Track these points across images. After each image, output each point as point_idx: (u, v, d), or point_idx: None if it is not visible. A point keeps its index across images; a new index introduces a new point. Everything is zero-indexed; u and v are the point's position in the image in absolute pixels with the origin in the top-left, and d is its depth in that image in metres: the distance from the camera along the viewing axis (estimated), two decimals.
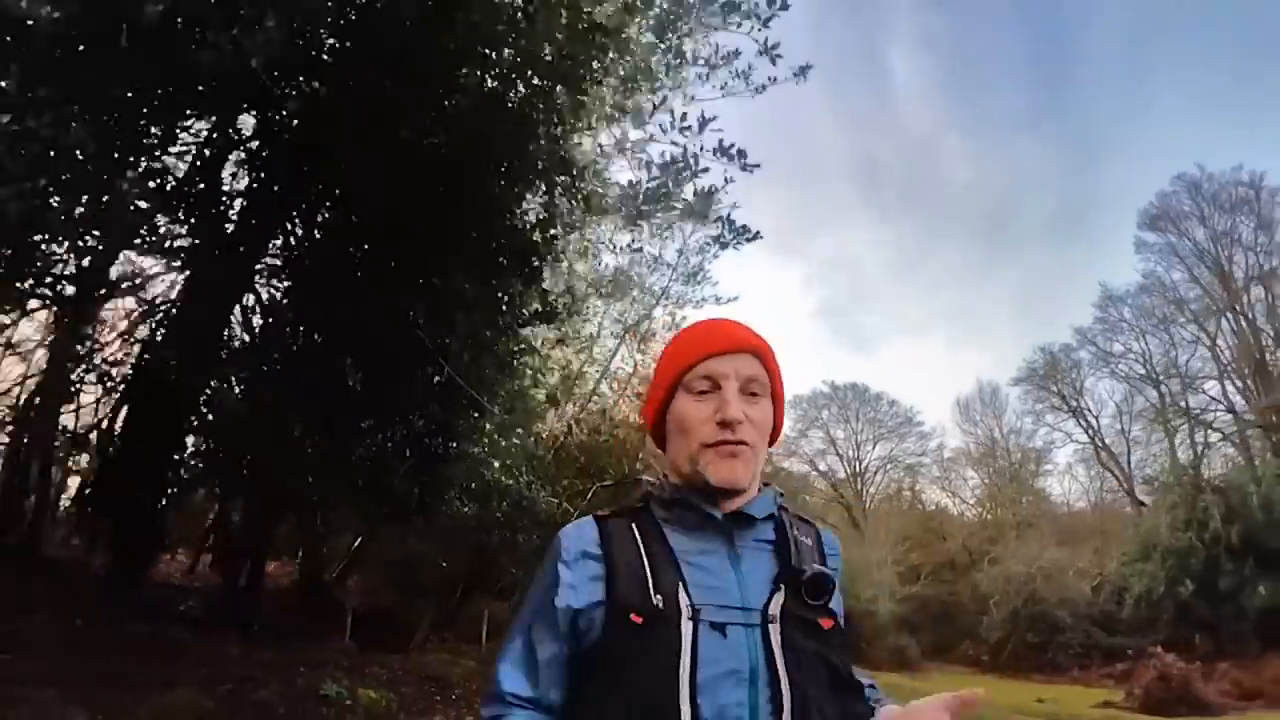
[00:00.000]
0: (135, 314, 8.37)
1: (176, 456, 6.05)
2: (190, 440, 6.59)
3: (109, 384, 7.31)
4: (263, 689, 5.79)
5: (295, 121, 4.94)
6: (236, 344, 5.40)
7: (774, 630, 1.04)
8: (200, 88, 4.61)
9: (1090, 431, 33.19)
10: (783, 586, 1.08)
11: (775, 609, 1.06)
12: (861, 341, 63.93)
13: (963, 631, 30.22)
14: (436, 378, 5.05)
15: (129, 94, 4.38)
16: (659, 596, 1.03)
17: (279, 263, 5.86)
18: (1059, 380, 33.69)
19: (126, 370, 7.38)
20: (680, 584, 1.05)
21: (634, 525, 1.14)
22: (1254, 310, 24.52)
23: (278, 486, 5.44)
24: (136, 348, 7.95)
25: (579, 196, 5.66)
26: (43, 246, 5.13)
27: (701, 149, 9.02)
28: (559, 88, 4.91)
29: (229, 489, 6.77)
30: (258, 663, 6.79)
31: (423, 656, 10.19)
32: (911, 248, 58.69)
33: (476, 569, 11.55)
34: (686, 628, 1.01)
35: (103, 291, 7.28)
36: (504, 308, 5.26)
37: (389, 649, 10.02)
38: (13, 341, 8.68)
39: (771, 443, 1.21)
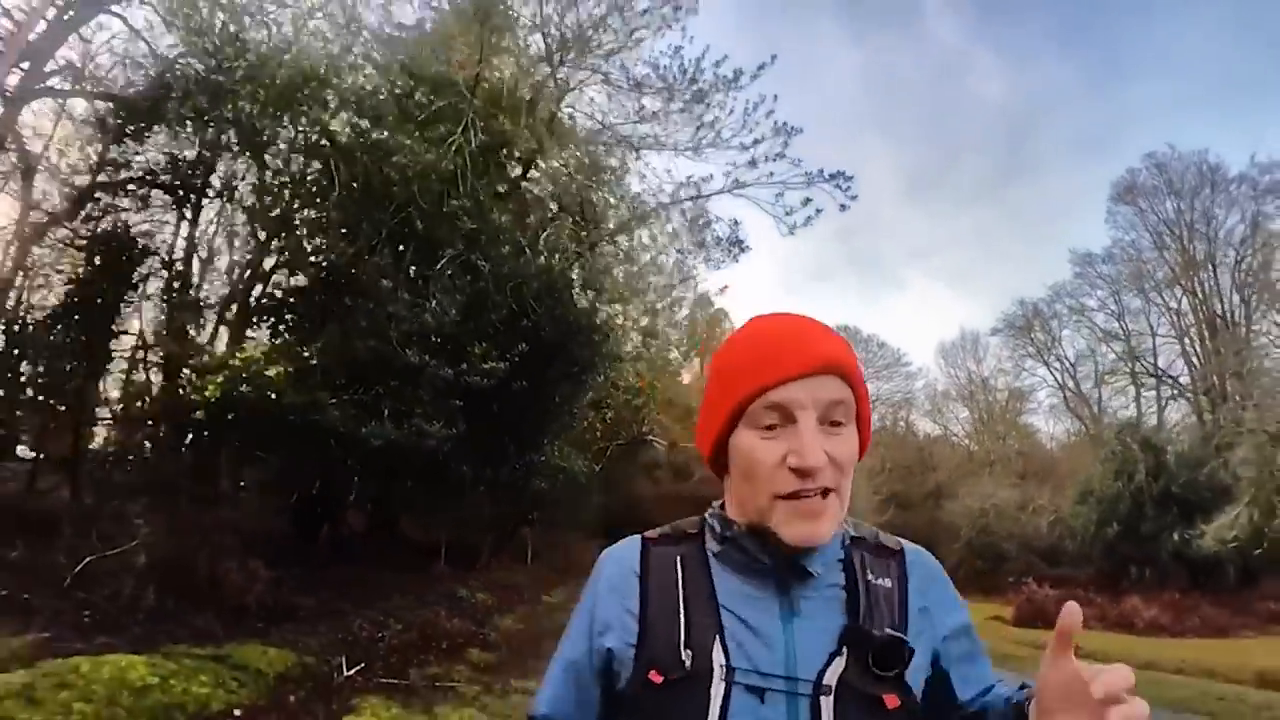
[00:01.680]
0: None
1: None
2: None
3: None
4: (427, 595, 10.03)
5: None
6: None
7: (826, 705, 0.88)
8: None
9: (1060, 380, 37.05)
10: (844, 651, 0.91)
11: (831, 678, 0.89)
12: (871, 266, 66.27)
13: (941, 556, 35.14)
14: (546, 440, 9.39)
15: None
16: (688, 652, 0.91)
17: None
18: (1035, 330, 37.09)
19: None
20: (717, 638, 0.92)
21: (680, 558, 1.02)
22: (1204, 289, 27.89)
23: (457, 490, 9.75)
24: None
25: None
26: None
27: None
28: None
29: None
30: (406, 582, 10.97)
31: (490, 573, 14.55)
32: (928, 168, 60.30)
33: (523, 510, 15.80)
34: (718, 690, 0.89)
35: None
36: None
37: (464, 569, 14.35)
38: None
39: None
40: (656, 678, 0.92)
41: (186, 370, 6.63)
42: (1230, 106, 51.16)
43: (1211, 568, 23.76)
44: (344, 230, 7.77)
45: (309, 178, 8.78)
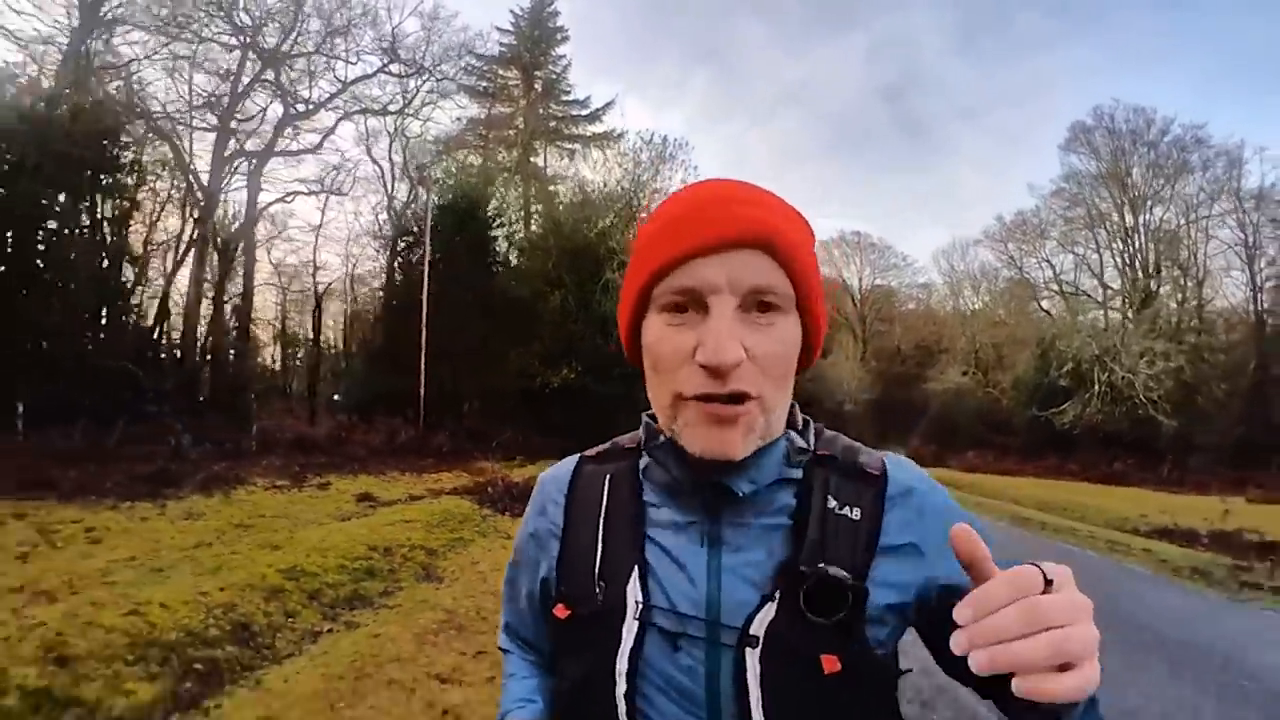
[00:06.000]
0: None
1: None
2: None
3: None
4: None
5: None
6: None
7: (751, 659, 0.74)
8: None
9: (1033, 288, 45.65)
10: (777, 595, 0.76)
11: (759, 627, 0.75)
12: (916, 127, 68.30)
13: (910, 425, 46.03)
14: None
15: None
16: (603, 584, 0.82)
17: None
18: (1011, 241, 45.11)
19: None
20: (636, 569, 0.81)
21: (610, 477, 0.90)
22: (1127, 228, 36.32)
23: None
24: None
25: None
26: None
27: None
28: None
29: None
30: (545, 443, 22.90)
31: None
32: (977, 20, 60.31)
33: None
34: (630, 629, 0.79)
35: None
36: None
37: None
38: None
39: (803, 366, 0.83)
40: (562, 613, 0.83)
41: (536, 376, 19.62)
42: None
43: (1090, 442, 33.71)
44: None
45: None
